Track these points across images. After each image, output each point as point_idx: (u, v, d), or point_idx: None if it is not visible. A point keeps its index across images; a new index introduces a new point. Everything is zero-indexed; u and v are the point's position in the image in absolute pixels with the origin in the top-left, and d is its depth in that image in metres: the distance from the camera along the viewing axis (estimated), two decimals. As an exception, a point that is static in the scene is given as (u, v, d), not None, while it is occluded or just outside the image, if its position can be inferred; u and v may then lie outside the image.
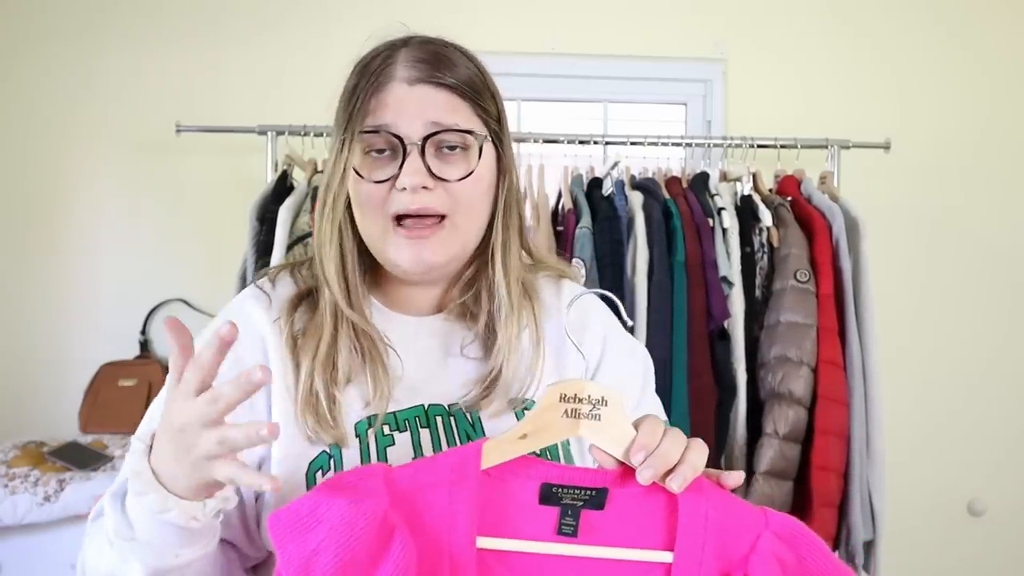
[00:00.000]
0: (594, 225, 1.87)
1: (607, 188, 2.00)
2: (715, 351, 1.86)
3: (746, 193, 2.01)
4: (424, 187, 0.81)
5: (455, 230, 0.84)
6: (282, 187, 1.94)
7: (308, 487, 0.80)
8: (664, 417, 0.89)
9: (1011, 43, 2.49)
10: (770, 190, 2.05)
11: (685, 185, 1.99)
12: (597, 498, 0.68)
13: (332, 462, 0.81)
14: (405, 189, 0.81)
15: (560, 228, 1.96)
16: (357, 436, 0.82)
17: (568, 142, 2.08)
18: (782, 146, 2.07)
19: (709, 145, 2.14)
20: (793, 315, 1.83)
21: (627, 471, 0.68)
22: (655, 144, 2.06)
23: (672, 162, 2.12)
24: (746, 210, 1.96)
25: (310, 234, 1.80)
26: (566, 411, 0.69)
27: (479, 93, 0.87)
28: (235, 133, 2.10)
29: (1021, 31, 2.49)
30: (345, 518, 0.63)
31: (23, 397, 2.39)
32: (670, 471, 0.67)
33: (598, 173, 2.04)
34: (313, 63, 2.32)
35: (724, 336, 1.88)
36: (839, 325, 1.87)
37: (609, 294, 0.78)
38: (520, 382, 0.85)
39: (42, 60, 2.41)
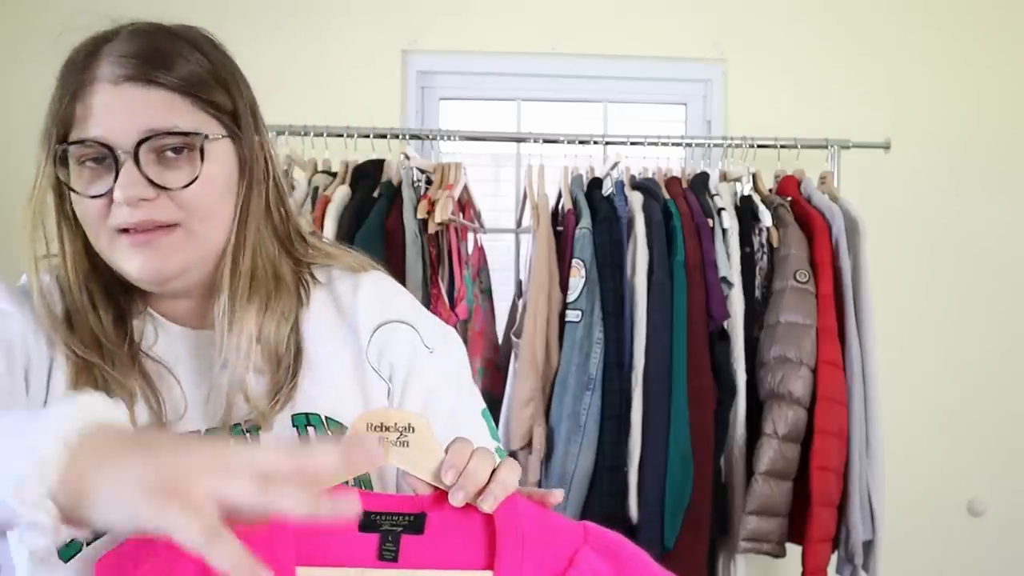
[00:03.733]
0: (594, 225, 1.87)
1: (607, 188, 2.00)
2: (715, 351, 1.86)
3: (746, 193, 2.01)
4: (143, 199, 0.72)
5: (191, 236, 0.75)
6: (282, 187, 1.94)
7: None
8: (483, 407, 0.88)
9: (1011, 43, 2.49)
10: (770, 190, 2.05)
11: (685, 185, 1.99)
12: (416, 523, 0.69)
13: None
14: (122, 204, 0.72)
15: (560, 228, 1.96)
16: None
17: (568, 142, 2.08)
18: (782, 146, 2.07)
19: (709, 145, 2.14)
20: (793, 315, 1.83)
21: (442, 494, 0.69)
22: (655, 144, 2.06)
23: (672, 162, 2.12)
24: (746, 210, 1.96)
25: (311, 233, 1.80)
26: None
27: (203, 86, 0.77)
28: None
29: (1020, 32, 2.49)
30: (162, 554, 0.62)
31: (23, 397, 2.39)
32: (481, 491, 0.67)
33: (598, 173, 2.04)
34: (313, 64, 2.32)
35: (724, 336, 1.89)
36: (839, 325, 1.87)
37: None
38: (302, 391, 0.78)
39: (42, 60, 2.41)
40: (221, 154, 0.77)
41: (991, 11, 2.47)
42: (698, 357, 1.83)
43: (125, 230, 0.73)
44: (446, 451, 0.69)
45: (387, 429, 0.70)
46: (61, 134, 0.75)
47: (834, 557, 1.91)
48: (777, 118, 2.32)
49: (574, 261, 1.83)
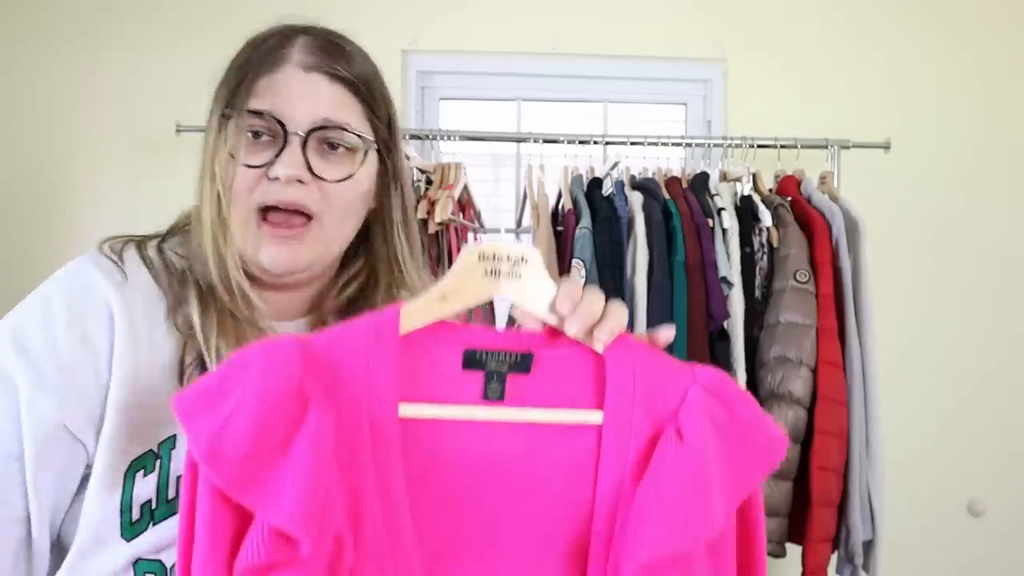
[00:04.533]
0: (594, 225, 1.87)
1: (607, 188, 2.00)
2: (715, 351, 1.86)
3: (746, 193, 2.01)
4: (299, 180, 0.75)
5: (321, 232, 0.78)
6: (282, 187, 1.94)
7: (124, 489, 0.73)
8: None
9: (1011, 44, 2.49)
10: (770, 190, 2.05)
11: (685, 185, 1.99)
12: (523, 362, 0.65)
13: (158, 463, 0.74)
14: (278, 179, 0.75)
15: (560, 228, 1.96)
16: None
17: (568, 142, 2.08)
18: (782, 146, 2.07)
19: (709, 145, 2.14)
20: (793, 315, 1.83)
21: (551, 333, 0.66)
22: (655, 144, 2.06)
23: (672, 162, 2.12)
24: (746, 210, 1.96)
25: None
26: (485, 270, 0.66)
27: (374, 96, 0.82)
28: (235, 133, 2.10)
29: (1021, 32, 2.49)
30: (257, 388, 0.57)
31: (23, 397, 2.39)
32: (595, 326, 0.65)
33: (598, 173, 2.04)
34: (313, 63, 2.32)
35: (724, 336, 1.88)
36: (839, 325, 1.87)
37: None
38: None
39: (42, 60, 2.41)
40: (371, 165, 0.82)
41: (992, 12, 2.47)
42: (698, 357, 1.83)
43: (265, 217, 0.76)
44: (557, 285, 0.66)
45: (499, 260, 0.66)
46: (240, 104, 0.77)
47: (834, 557, 1.91)
48: (777, 118, 2.32)
49: (574, 261, 1.83)
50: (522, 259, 0.66)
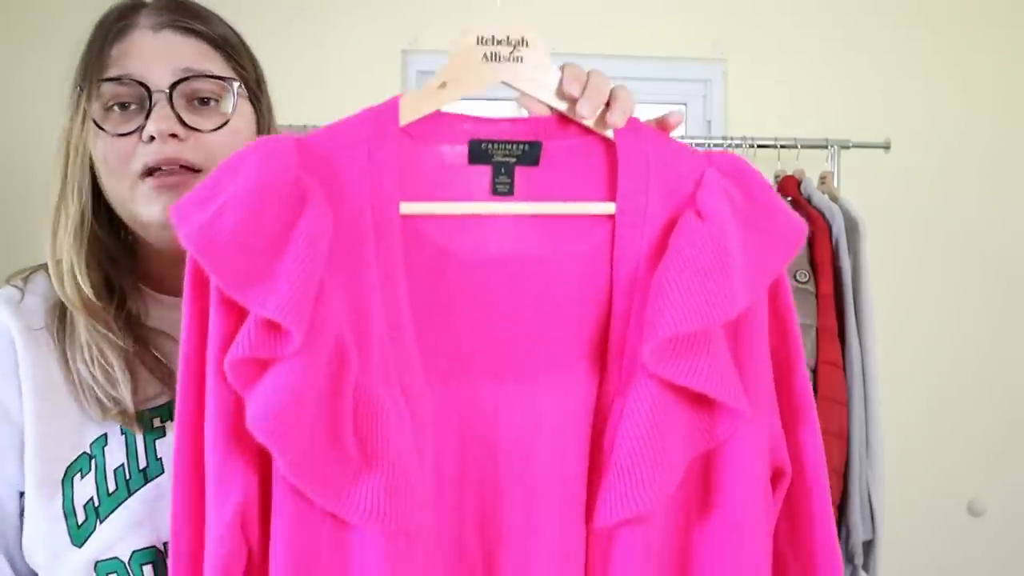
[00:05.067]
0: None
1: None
2: (715, 351, 1.86)
3: (746, 193, 2.01)
4: (173, 135, 0.73)
5: None
6: (282, 187, 1.94)
7: (64, 496, 0.73)
8: None
9: (1012, 43, 2.49)
10: (770, 190, 2.05)
11: (685, 185, 1.99)
12: (531, 152, 0.60)
13: (93, 463, 0.73)
14: (153, 139, 0.72)
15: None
16: (123, 434, 0.74)
17: (568, 142, 2.08)
18: (782, 146, 2.07)
19: (709, 145, 2.14)
20: (793, 315, 1.83)
21: (559, 121, 0.62)
22: (655, 144, 2.06)
23: (672, 162, 2.12)
24: (746, 210, 1.96)
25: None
26: (485, 55, 0.62)
27: (235, 49, 0.80)
28: (235, 133, 2.10)
29: (1022, 33, 2.48)
30: (251, 180, 0.53)
31: (23, 397, 2.39)
32: (606, 110, 0.61)
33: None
34: (313, 63, 2.32)
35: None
36: (839, 325, 1.87)
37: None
38: None
39: (42, 60, 2.41)
40: (245, 113, 0.81)
41: (992, 12, 2.47)
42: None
43: (150, 174, 0.74)
44: (561, 70, 0.62)
45: (499, 43, 0.62)
46: (95, 76, 0.76)
47: (834, 557, 1.91)
48: (777, 118, 2.32)
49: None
50: (523, 41, 0.62)
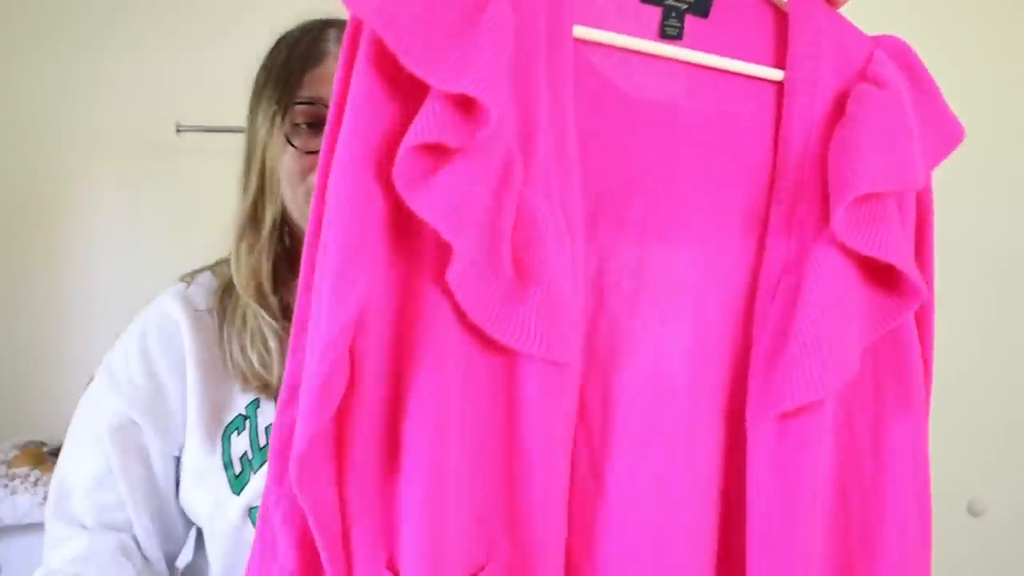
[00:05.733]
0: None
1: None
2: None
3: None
4: None
5: None
6: (282, 187, 1.94)
7: (223, 450, 0.85)
8: None
9: (1010, 43, 2.49)
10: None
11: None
12: (702, 2, 0.59)
13: (247, 423, 0.86)
14: None
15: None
16: (273, 400, 0.84)
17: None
18: (782, 146, 2.06)
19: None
20: (793, 315, 1.82)
21: None
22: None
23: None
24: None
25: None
26: None
27: None
28: (236, 133, 2.09)
29: (1021, 31, 2.49)
30: None
31: (23, 397, 2.39)
32: None
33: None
34: (313, 63, 2.32)
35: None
36: (839, 325, 1.86)
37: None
38: None
39: (42, 60, 2.41)
40: None
41: (994, 11, 2.47)
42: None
43: None
44: None
45: None
46: (288, 97, 0.84)
47: (834, 557, 1.91)
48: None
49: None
50: None
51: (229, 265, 0.92)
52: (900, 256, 0.55)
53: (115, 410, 0.89)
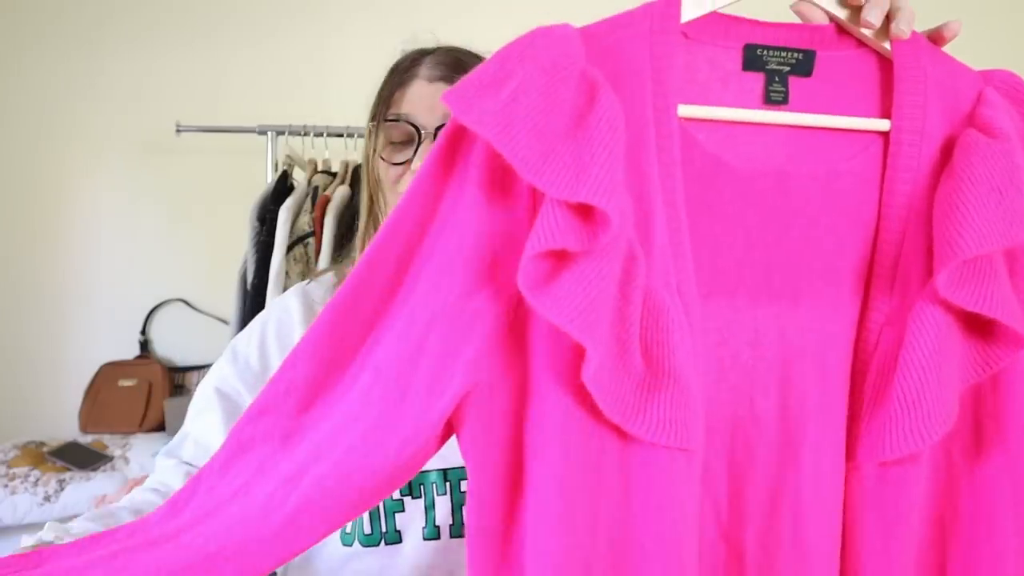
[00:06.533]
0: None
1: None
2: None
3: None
4: None
5: None
6: (282, 187, 1.94)
7: None
8: None
9: (1010, 42, 2.49)
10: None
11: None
12: (805, 62, 0.58)
13: None
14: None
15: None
16: None
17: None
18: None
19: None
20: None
21: (835, 30, 0.59)
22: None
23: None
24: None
25: (311, 234, 1.80)
26: None
27: None
28: (235, 133, 2.10)
29: (1019, 31, 2.49)
30: (542, 63, 0.50)
31: (23, 397, 2.39)
32: (892, 16, 0.58)
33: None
34: (313, 64, 2.32)
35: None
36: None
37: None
38: None
39: (42, 60, 2.41)
40: None
41: (990, 10, 2.47)
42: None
43: None
44: None
45: None
46: (382, 115, 0.94)
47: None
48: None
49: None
50: None
51: (350, 266, 0.98)
52: (1004, 311, 0.54)
53: (228, 378, 0.95)
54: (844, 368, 0.58)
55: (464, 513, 0.83)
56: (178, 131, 2.10)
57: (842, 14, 0.59)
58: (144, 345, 2.41)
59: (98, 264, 2.43)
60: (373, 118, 0.95)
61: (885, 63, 0.59)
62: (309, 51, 2.35)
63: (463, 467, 0.76)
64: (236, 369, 0.95)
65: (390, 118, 0.93)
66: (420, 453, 0.53)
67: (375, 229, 0.95)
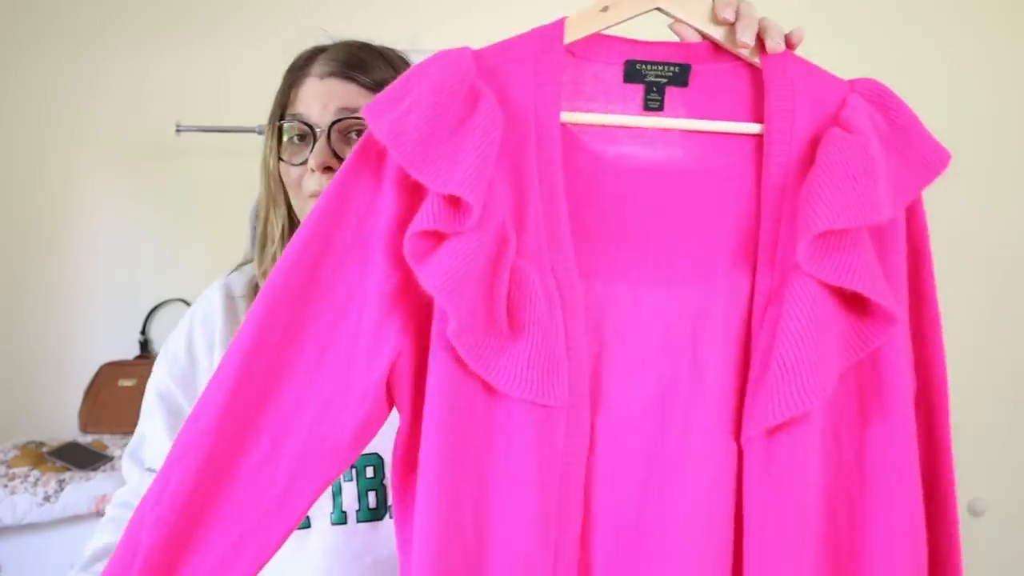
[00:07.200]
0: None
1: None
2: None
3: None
4: (328, 167, 0.88)
5: None
6: (282, 187, 1.95)
7: None
8: None
9: (1010, 42, 2.49)
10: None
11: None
12: (681, 74, 0.66)
13: None
14: (314, 170, 0.88)
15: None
16: None
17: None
18: (782, 146, 2.06)
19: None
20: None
21: (707, 48, 0.67)
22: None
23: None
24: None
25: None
26: None
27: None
28: (235, 133, 2.10)
29: (1021, 31, 2.49)
30: (434, 81, 0.61)
31: (23, 397, 2.39)
32: (762, 34, 0.65)
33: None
34: (313, 63, 2.32)
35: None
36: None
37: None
38: None
39: (42, 60, 2.41)
40: None
41: (992, 11, 2.47)
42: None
43: (315, 196, 0.89)
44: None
45: None
46: (278, 115, 0.95)
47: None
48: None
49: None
50: None
51: (270, 259, 1.00)
52: (866, 283, 0.60)
53: (163, 378, 0.98)
54: (729, 345, 0.63)
55: (369, 498, 0.89)
56: (178, 131, 2.10)
57: (718, 32, 0.66)
58: (144, 345, 2.40)
59: (98, 264, 2.43)
60: (270, 120, 0.96)
61: (757, 74, 0.66)
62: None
63: (367, 454, 0.88)
64: (168, 366, 0.98)
65: (285, 118, 0.93)
66: (373, 413, 0.63)
67: (285, 226, 0.95)
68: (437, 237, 0.59)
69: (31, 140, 2.41)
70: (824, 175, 0.60)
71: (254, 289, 0.98)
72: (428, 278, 0.58)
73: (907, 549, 0.62)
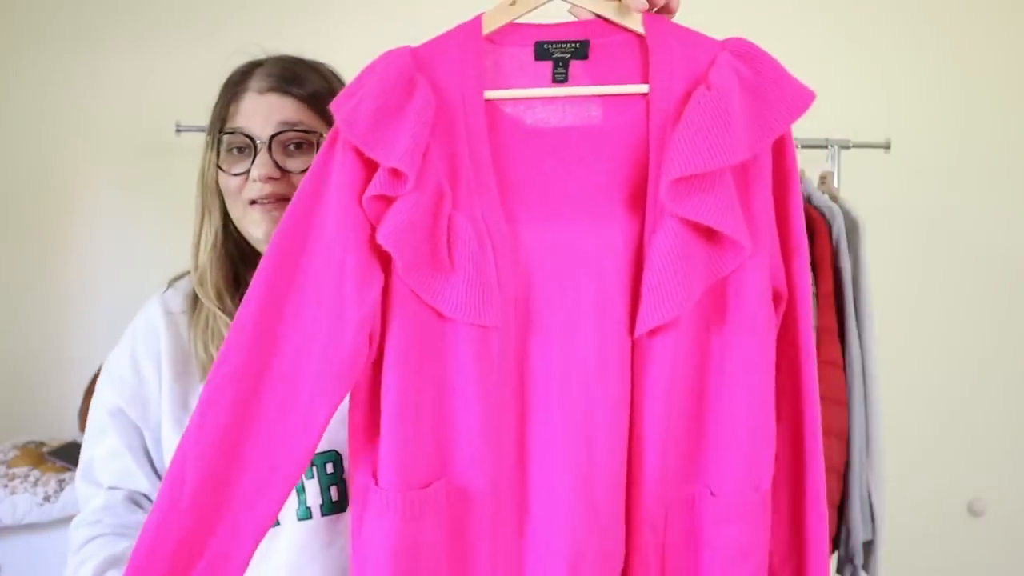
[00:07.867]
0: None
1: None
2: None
3: (746, 193, 2.01)
4: (271, 177, 0.96)
5: None
6: (282, 187, 1.95)
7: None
8: None
9: (1012, 43, 2.49)
10: (770, 190, 2.05)
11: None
12: (581, 49, 0.79)
13: None
14: (256, 180, 0.95)
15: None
16: None
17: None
18: (782, 146, 2.06)
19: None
20: (793, 315, 1.83)
21: (603, 24, 0.79)
22: (655, 144, 2.06)
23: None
24: (746, 210, 1.96)
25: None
26: None
27: (323, 101, 0.97)
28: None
29: (1021, 31, 2.49)
30: (379, 76, 0.75)
31: (23, 397, 2.39)
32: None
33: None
34: (313, 63, 2.32)
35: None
36: (839, 325, 1.87)
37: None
38: None
39: (42, 60, 2.41)
40: None
41: (992, 11, 2.47)
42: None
43: (254, 203, 0.97)
44: None
45: None
46: (218, 128, 1.00)
47: (834, 557, 1.91)
48: (777, 118, 2.31)
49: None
50: None
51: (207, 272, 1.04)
52: (717, 219, 0.73)
53: (110, 399, 1.02)
54: (627, 270, 0.79)
55: (331, 492, 0.96)
56: (178, 131, 2.10)
57: (608, 10, 0.79)
58: (144, 345, 2.41)
59: (98, 264, 2.43)
60: (210, 132, 1.01)
61: (644, 42, 0.79)
62: (308, 52, 2.34)
63: (325, 452, 0.96)
64: (115, 388, 1.02)
65: (227, 131, 0.99)
66: (361, 346, 0.75)
67: (219, 232, 1.02)
68: (387, 200, 0.74)
69: (31, 140, 2.41)
70: (682, 129, 0.73)
71: (192, 303, 1.04)
72: (380, 232, 0.74)
73: (752, 419, 0.79)
